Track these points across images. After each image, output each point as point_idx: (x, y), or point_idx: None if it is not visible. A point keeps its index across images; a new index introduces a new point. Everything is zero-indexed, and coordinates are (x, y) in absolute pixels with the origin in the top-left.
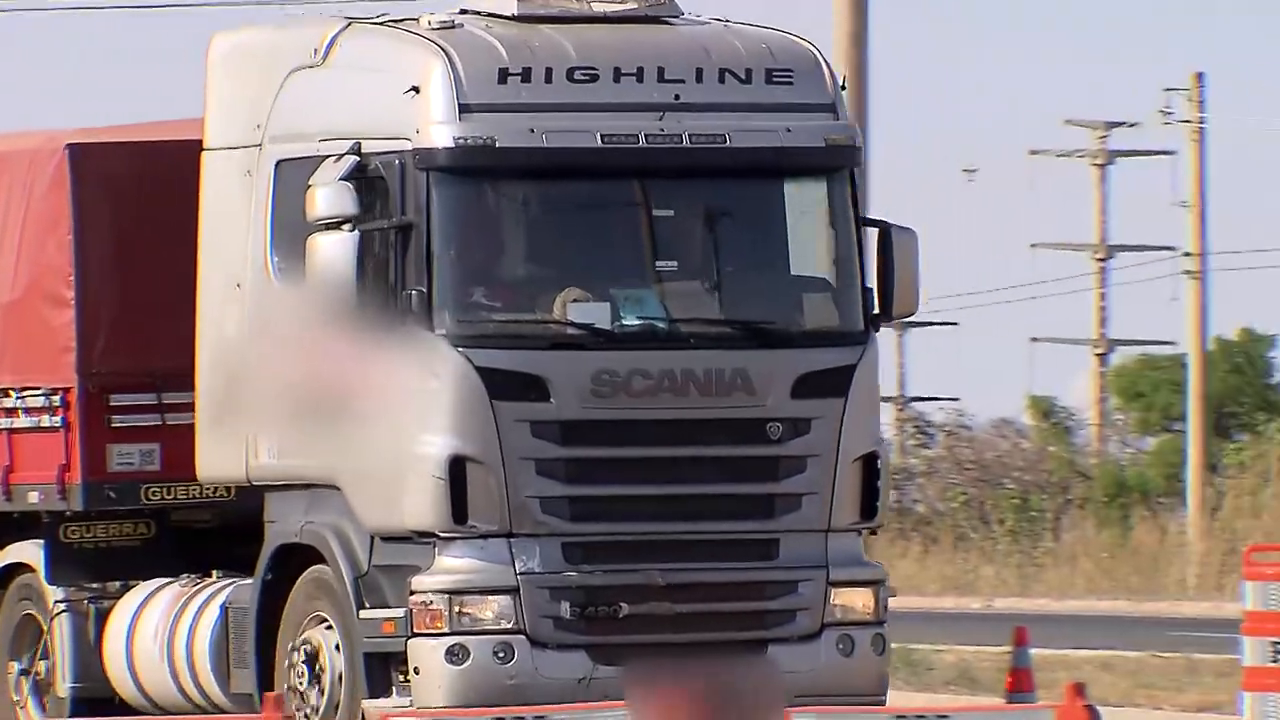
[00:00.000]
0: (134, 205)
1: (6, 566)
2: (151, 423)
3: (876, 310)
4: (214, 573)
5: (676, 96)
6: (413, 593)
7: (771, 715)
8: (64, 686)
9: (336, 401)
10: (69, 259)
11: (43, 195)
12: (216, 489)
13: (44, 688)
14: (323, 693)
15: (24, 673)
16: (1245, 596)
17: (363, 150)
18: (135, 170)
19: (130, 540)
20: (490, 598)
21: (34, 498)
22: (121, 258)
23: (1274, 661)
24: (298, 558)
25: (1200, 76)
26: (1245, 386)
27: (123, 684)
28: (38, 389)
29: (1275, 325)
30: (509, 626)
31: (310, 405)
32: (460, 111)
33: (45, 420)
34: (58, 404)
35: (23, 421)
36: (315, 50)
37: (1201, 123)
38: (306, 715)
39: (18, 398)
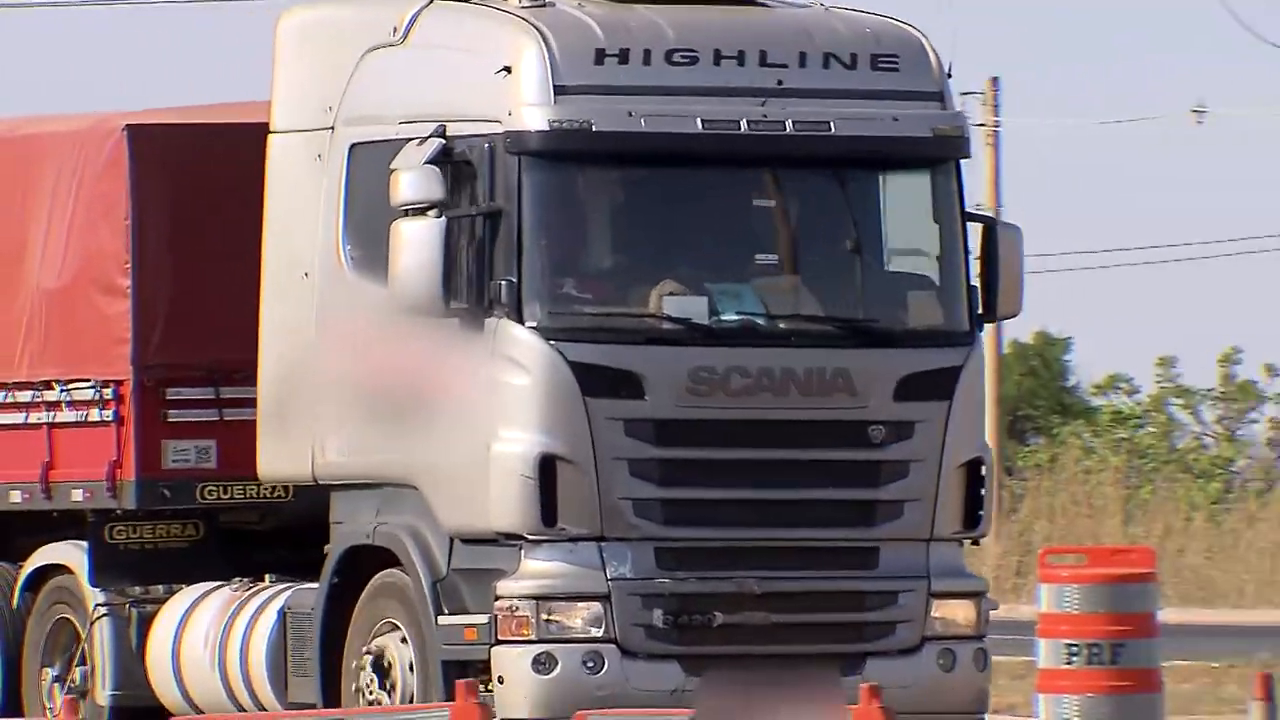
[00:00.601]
0: (193, 190)
1: (41, 568)
2: (208, 418)
3: (980, 310)
4: (267, 576)
5: (779, 81)
6: (498, 598)
7: None
8: (103, 694)
9: (416, 396)
10: (125, 245)
11: (96, 178)
12: (275, 489)
13: (79, 696)
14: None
15: (57, 680)
16: (1040, 599)
17: (448, 133)
18: (195, 153)
19: (178, 542)
20: (580, 604)
21: (78, 496)
22: (180, 245)
23: (1068, 664)
24: (367, 561)
25: (995, 81)
26: (1040, 389)
27: (167, 692)
28: (86, 381)
29: (1070, 328)
30: (599, 635)
31: (387, 400)
32: (555, 93)
33: (94, 414)
34: (109, 397)
35: (66, 415)
36: (394, 29)
37: (996, 126)
38: None
39: (62, 390)
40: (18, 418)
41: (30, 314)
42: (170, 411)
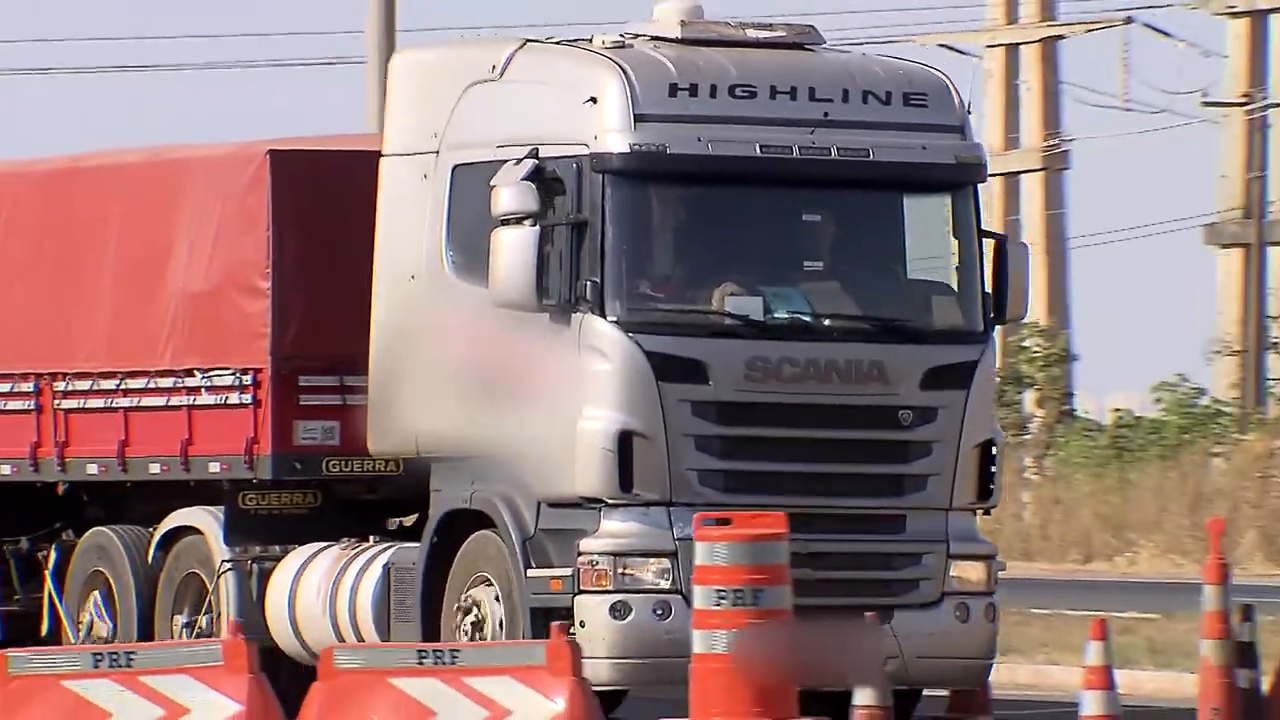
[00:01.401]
0: (323, 207)
1: (172, 530)
2: (333, 402)
3: (992, 313)
4: (371, 538)
5: (825, 114)
6: (581, 553)
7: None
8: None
9: (509, 381)
10: (265, 255)
11: (241, 196)
12: (387, 464)
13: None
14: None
15: (187, 625)
16: (697, 556)
17: (541, 155)
18: (326, 175)
19: (299, 508)
20: (651, 560)
21: (215, 468)
22: (311, 254)
23: (717, 605)
24: (462, 523)
25: None
26: None
27: (283, 635)
28: (227, 369)
29: None
30: (667, 586)
31: (483, 385)
32: (635, 121)
33: (233, 398)
34: (248, 383)
35: (206, 399)
36: (493, 66)
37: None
38: None
39: (203, 377)
40: (159, 401)
41: (174, 312)
42: (301, 396)
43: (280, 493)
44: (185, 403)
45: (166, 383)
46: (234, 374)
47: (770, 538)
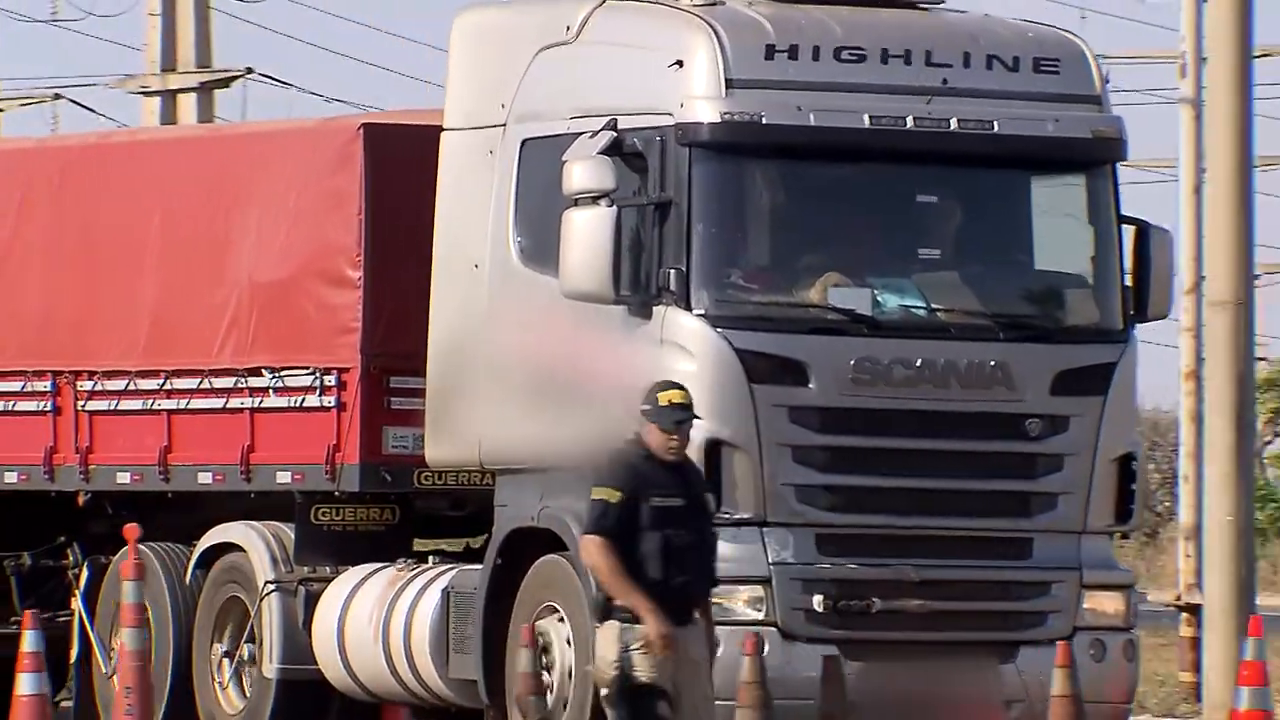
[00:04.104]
0: (421, 187)
1: (212, 547)
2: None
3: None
4: (430, 558)
5: (944, 81)
6: None
7: None
8: (270, 668)
9: (583, 383)
10: (356, 239)
11: (327, 175)
12: (484, 477)
13: (245, 670)
14: (551, 686)
15: (226, 655)
16: None
17: (619, 126)
18: (424, 153)
19: (375, 525)
20: (742, 587)
21: (284, 478)
22: (405, 240)
23: None
24: (530, 544)
25: None
26: None
27: (331, 666)
28: (304, 368)
29: None
30: (760, 617)
31: (554, 387)
32: (725, 87)
33: (309, 400)
34: (330, 384)
35: (274, 401)
36: (568, 27)
37: None
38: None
39: (272, 377)
40: (213, 403)
41: (235, 304)
42: (392, 399)
43: (356, 507)
44: (247, 405)
45: (224, 382)
46: (313, 373)
47: None
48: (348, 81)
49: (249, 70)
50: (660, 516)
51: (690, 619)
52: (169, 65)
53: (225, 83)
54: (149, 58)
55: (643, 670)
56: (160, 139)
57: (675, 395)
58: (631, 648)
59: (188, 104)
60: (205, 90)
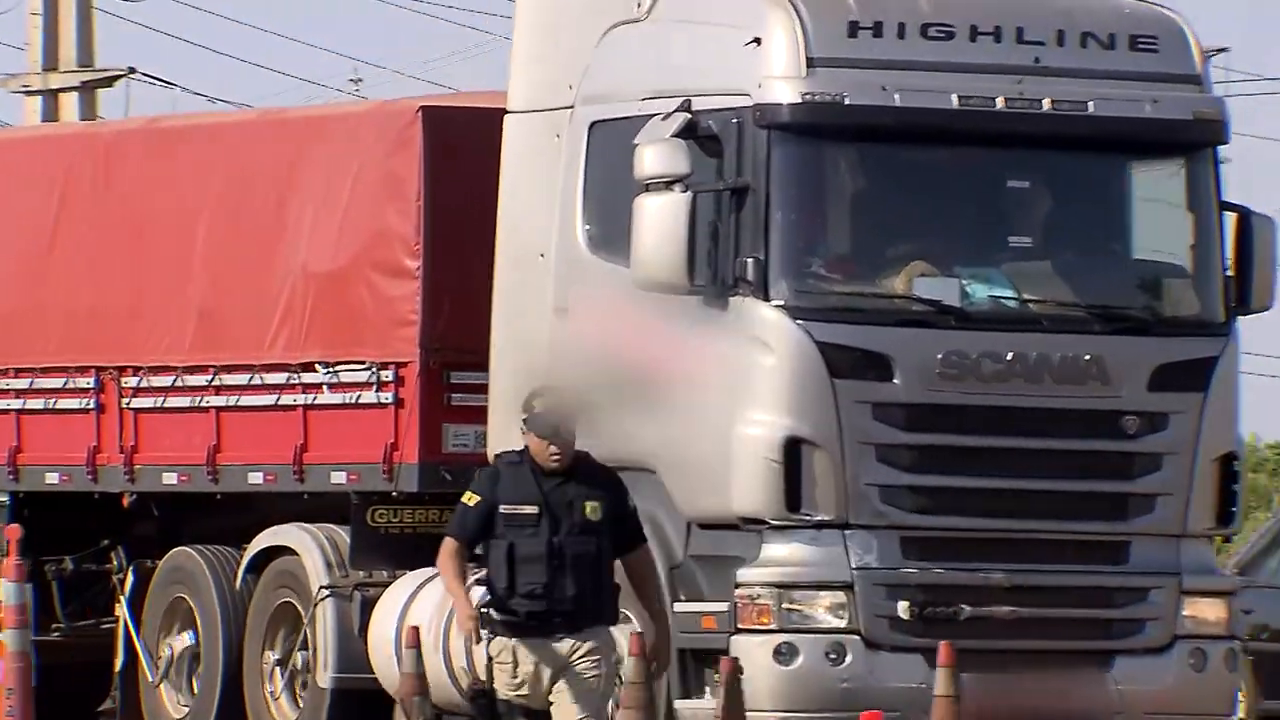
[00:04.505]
0: (482, 173)
1: (264, 551)
2: (486, 404)
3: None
4: None
5: (1036, 59)
6: (738, 585)
7: None
8: (325, 677)
9: (654, 377)
10: (415, 226)
11: (384, 159)
12: None
13: (298, 679)
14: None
15: (279, 663)
16: None
17: (694, 108)
18: (486, 137)
19: (434, 527)
20: (823, 593)
21: (339, 478)
22: (466, 228)
23: None
24: None
25: None
26: None
27: (388, 674)
28: (360, 363)
29: None
30: (842, 625)
31: (623, 382)
32: (806, 66)
33: (364, 396)
34: (388, 379)
35: (328, 397)
36: (639, 4)
37: None
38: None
39: (327, 372)
40: (264, 399)
41: (287, 295)
42: (453, 395)
43: (414, 509)
44: (300, 402)
45: (276, 378)
46: (369, 368)
47: None
48: (231, 80)
49: (131, 70)
50: (509, 524)
51: (567, 630)
52: (51, 65)
53: (108, 82)
54: (31, 57)
55: (501, 682)
56: (210, 123)
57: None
58: (495, 659)
59: (70, 103)
60: (88, 90)
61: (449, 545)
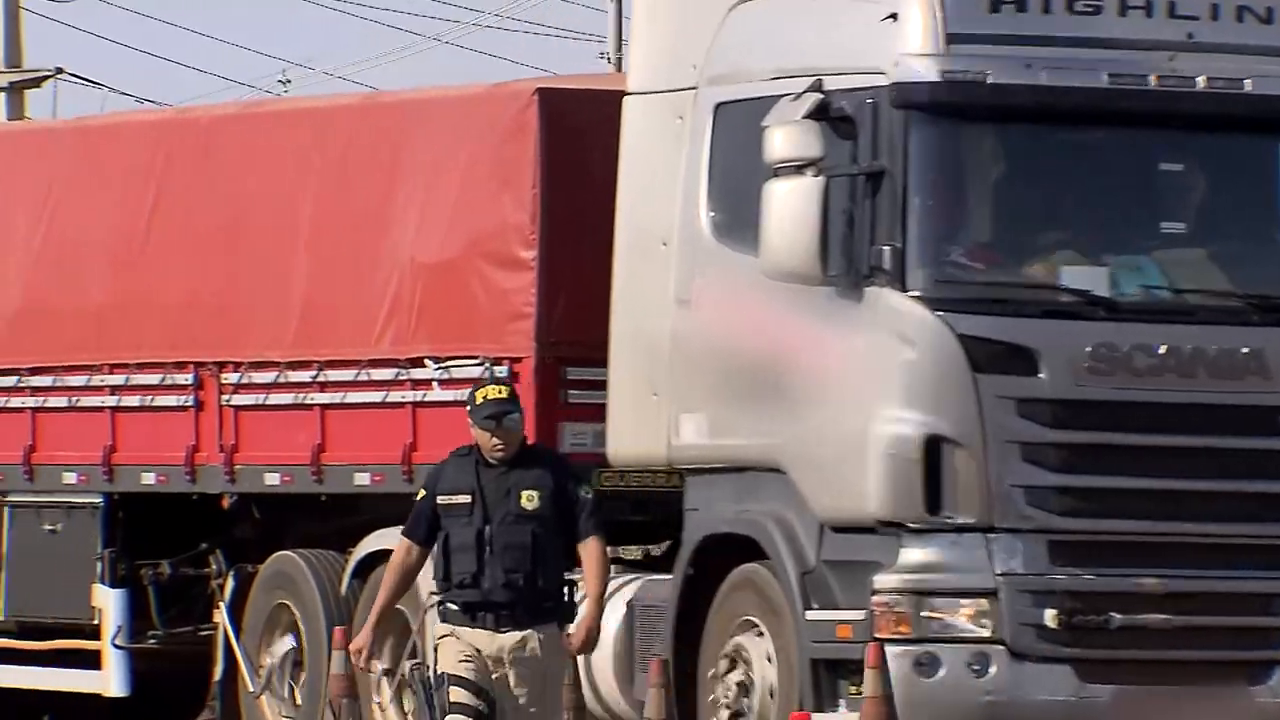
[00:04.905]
0: (601, 158)
1: (370, 555)
2: (605, 401)
3: None
4: (610, 567)
5: (1189, 35)
6: (875, 592)
7: None
8: None
9: (785, 372)
10: (530, 215)
11: (497, 145)
12: (669, 475)
13: (406, 689)
14: (751, 709)
15: (386, 672)
16: None
17: (825, 87)
18: (602, 121)
19: None
20: (965, 601)
21: None
22: (583, 216)
23: None
24: (725, 552)
25: None
26: None
27: None
28: (472, 359)
29: None
30: (986, 634)
31: (751, 376)
32: (945, 42)
33: None
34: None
35: (438, 394)
36: None
37: None
38: None
39: (436, 368)
40: (372, 396)
41: (395, 288)
42: (570, 392)
43: None
44: (409, 399)
45: (383, 374)
46: (482, 364)
47: None
48: (159, 81)
49: (60, 70)
50: (445, 514)
51: (512, 624)
52: None
53: (36, 83)
54: None
55: (446, 662)
56: (314, 107)
57: (490, 391)
58: (438, 640)
59: None
60: (15, 90)
61: (399, 545)
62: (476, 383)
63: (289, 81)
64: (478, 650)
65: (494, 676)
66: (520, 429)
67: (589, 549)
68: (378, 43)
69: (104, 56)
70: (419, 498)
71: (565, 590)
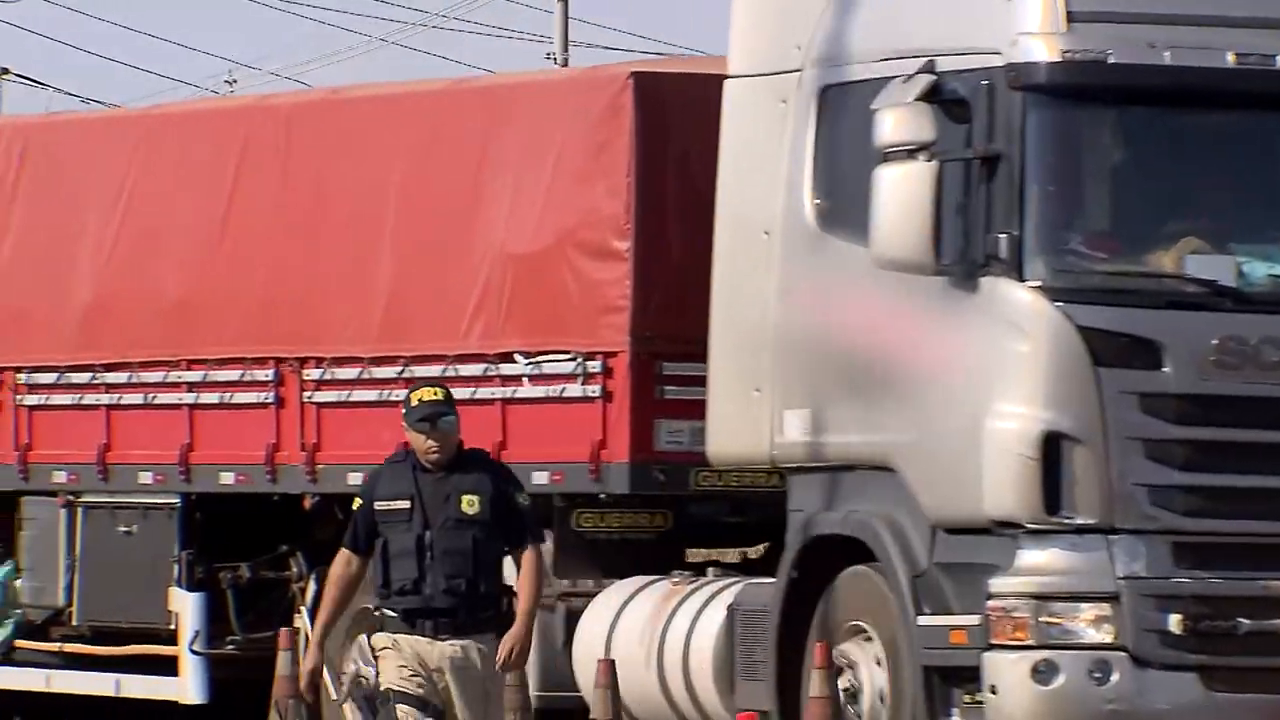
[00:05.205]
0: (698, 145)
1: None
2: (703, 397)
3: None
4: (709, 570)
5: None
6: (991, 596)
7: None
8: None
9: (895, 367)
10: (624, 204)
11: (589, 132)
12: (771, 478)
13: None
14: (860, 716)
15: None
16: None
17: (938, 68)
18: (702, 105)
19: (645, 533)
20: (1085, 605)
21: (541, 479)
22: (681, 205)
23: None
24: (832, 555)
25: None
26: None
27: (595, 691)
28: (565, 354)
29: None
30: (1107, 640)
31: (859, 371)
32: (1065, 20)
33: (569, 389)
34: (594, 371)
35: (529, 391)
36: None
37: None
38: None
39: (527, 363)
40: (461, 392)
41: (484, 280)
42: (666, 388)
43: (623, 513)
44: (498, 395)
45: (472, 370)
46: (574, 359)
47: None
48: (104, 81)
49: (4, 70)
50: (383, 521)
51: (451, 632)
52: None
53: None
54: None
55: (387, 675)
56: (400, 93)
57: (426, 393)
58: (377, 651)
59: None
60: None
61: (338, 557)
62: (413, 385)
63: (235, 81)
64: (420, 659)
65: (439, 686)
66: (456, 432)
67: (526, 558)
68: (324, 43)
69: (49, 57)
70: (355, 507)
71: (505, 600)
